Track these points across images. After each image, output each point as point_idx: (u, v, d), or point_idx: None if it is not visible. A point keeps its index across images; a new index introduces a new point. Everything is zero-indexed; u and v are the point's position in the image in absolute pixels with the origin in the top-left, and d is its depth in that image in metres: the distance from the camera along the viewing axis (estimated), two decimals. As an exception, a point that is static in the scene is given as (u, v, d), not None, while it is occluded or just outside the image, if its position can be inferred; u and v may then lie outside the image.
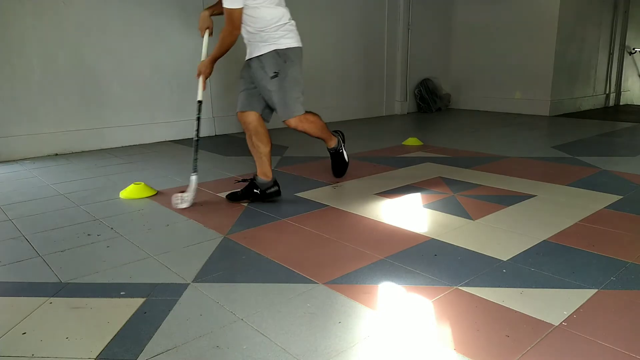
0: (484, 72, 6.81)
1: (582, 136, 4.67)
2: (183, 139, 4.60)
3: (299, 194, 2.72)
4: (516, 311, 1.43)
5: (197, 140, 2.62)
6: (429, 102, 6.72)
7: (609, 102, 7.49)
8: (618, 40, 7.29)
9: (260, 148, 2.58)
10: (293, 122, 2.59)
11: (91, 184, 3.01)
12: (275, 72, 2.48)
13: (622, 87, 7.67)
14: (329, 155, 3.05)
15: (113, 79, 4.17)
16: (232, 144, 4.47)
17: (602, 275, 1.66)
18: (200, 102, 2.68)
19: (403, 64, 6.45)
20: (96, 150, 4.12)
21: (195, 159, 2.60)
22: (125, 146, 4.28)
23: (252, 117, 2.56)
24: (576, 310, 1.43)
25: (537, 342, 1.28)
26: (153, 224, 2.27)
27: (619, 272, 1.68)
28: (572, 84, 6.61)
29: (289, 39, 2.52)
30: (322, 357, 1.23)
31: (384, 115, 6.46)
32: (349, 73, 5.98)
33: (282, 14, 2.50)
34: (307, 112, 2.65)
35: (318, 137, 2.82)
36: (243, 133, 4.97)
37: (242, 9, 2.37)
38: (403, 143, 4.27)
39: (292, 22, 2.56)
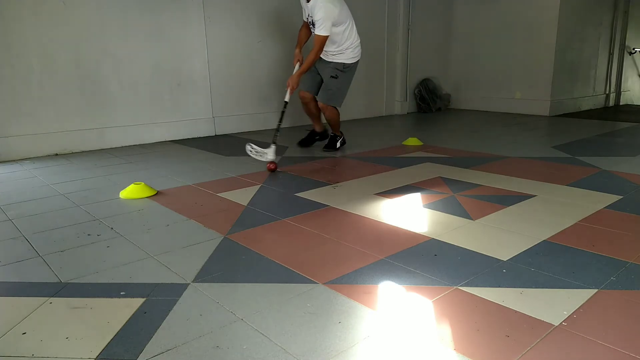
0: (484, 72, 6.81)
1: (582, 136, 4.67)
2: (183, 139, 4.61)
3: (299, 194, 2.72)
4: (516, 311, 1.43)
5: (279, 124, 3.59)
6: (429, 102, 6.72)
7: (609, 102, 7.49)
8: (618, 40, 7.29)
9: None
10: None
11: (91, 184, 3.01)
12: (335, 75, 3.78)
13: (622, 87, 7.67)
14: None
15: (113, 79, 4.17)
16: (232, 144, 4.47)
17: (602, 275, 1.66)
18: (286, 102, 3.66)
19: (403, 64, 6.45)
20: (96, 150, 4.12)
21: (276, 135, 3.51)
22: (125, 146, 4.28)
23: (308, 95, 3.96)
24: (576, 310, 1.43)
25: (537, 342, 1.28)
26: (153, 224, 2.27)
27: (619, 272, 1.68)
28: (572, 84, 6.61)
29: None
30: (322, 357, 1.23)
31: (384, 115, 6.46)
32: (349, 73, 5.97)
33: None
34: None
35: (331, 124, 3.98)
36: (243, 133, 4.99)
37: (328, 36, 3.56)
38: (403, 143, 4.27)
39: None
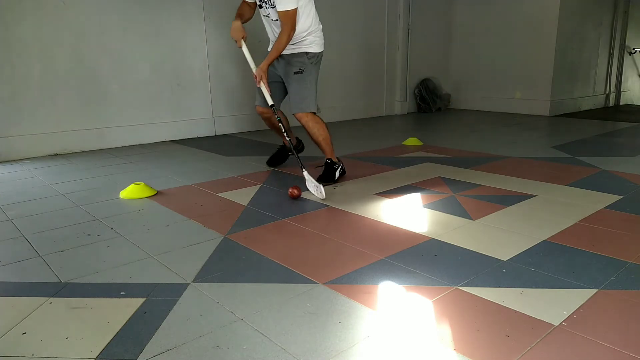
0: (484, 72, 6.81)
1: (582, 136, 4.67)
2: (183, 139, 4.60)
3: (299, 194, 2.72)
4: (516, 311, 1.43)
5: (290, 140, 3.03)
6: (429, 102, 6.72)
7: (609, 102, 7.49)
8: (618, 40, 7.29)
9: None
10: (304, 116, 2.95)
11: (91, 184, 3.01)
12: (299, 69, 2.93)
13: (622, 87, 7.68)
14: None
15: (113, 79, 4.17)
16: (232, 144, 4.47)
17: (602, 275, 1.66)
18: (272, 105, 2.95)
19: (403, 64, 6.45)
20: (96, 150, 4.12)
21: (299, 158, 2.94)
22: (125, 146, 4.28)
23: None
24: (576, 310, 1.43)
25: (537, 342, 1.28)
26: (153, 224, 2.27)
27: (619, 272, 1.68)
28: (572, 84, 6.61)
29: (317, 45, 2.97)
30: (322, 357, 1.23)
31: (384, 115, 6.46)
32: (349, 73, 5.98)
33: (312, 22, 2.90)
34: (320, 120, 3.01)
35: (318, 144, 3.04)
36: (243, 133, 4.99)
37: (296, 9, 2.74)
38: (403, 143, 4.27)
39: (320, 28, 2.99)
